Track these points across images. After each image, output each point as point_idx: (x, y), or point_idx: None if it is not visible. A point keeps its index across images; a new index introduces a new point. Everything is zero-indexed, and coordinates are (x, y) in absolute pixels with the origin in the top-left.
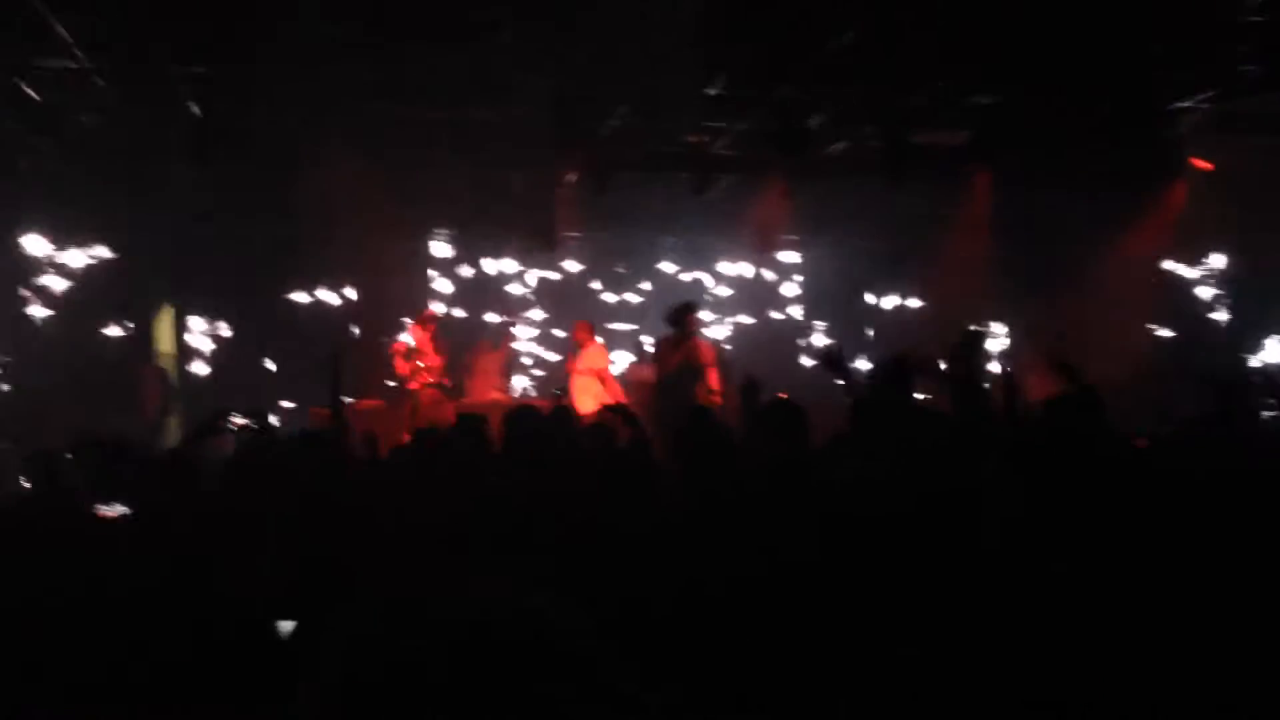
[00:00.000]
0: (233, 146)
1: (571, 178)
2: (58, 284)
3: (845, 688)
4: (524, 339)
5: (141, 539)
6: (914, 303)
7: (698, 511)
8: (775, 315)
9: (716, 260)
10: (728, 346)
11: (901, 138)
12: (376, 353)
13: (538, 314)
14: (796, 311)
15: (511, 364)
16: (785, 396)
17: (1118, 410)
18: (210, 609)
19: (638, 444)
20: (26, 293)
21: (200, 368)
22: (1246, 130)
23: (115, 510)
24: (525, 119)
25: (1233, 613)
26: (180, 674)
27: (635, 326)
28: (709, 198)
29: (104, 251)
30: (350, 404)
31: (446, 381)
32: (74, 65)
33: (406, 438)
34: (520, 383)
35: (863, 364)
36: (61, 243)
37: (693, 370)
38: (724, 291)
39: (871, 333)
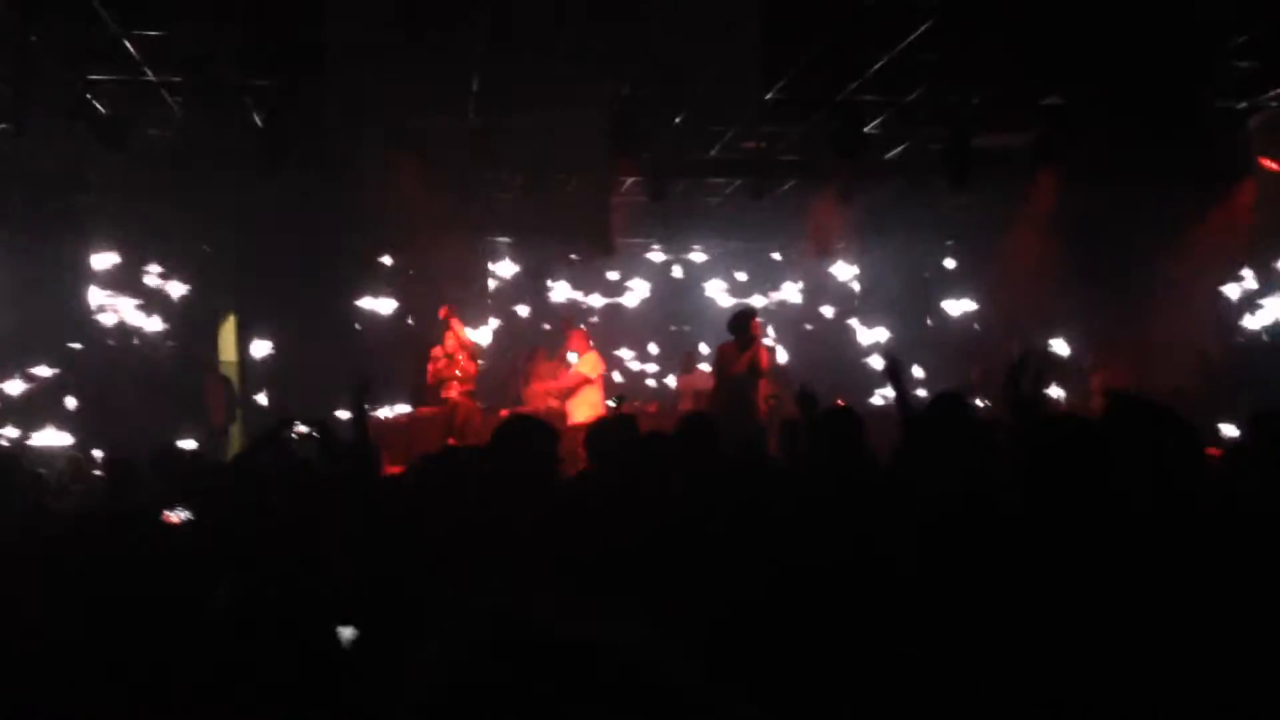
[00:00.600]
0: (296, 157)
1: (629, 183)
2: (125, 295)
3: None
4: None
5: (204, 544)
6: (975, 307)
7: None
8: (831, 319)
9: (774, 266)
10: (784, 353)
11: (964, 140)
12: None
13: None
14: (855, 316)
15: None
16: (843, 404)
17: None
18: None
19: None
20: (94, 303)
21: (262, 377)
22: None
23: (179, 516)
24: (584, 124)
25: None
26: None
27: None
28: (767, 202)
29: (170, 263)
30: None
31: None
32: (142, 79)
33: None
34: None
35: (919, 371)
36: (128, 255)
37: (755, 376)
38: (782, 297)
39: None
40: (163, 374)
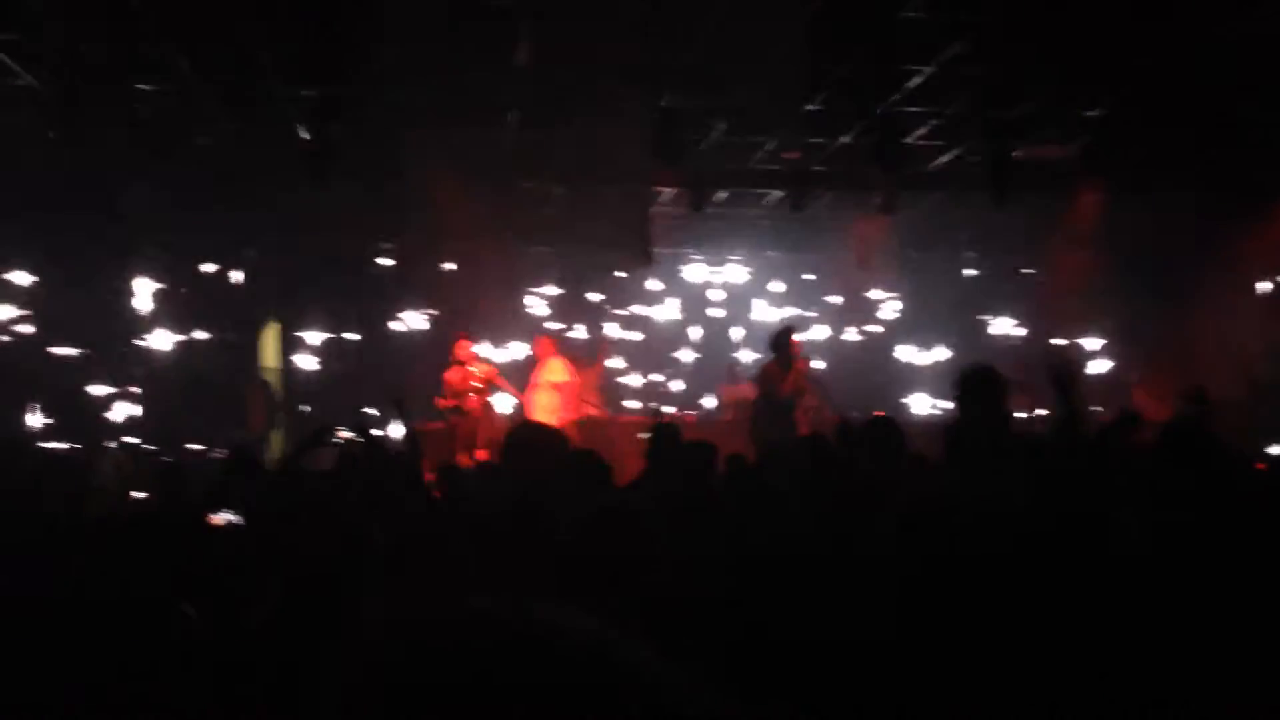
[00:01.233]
0: (341, 167)
1: (668, 194)
2: (170, 301)
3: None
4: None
5: (248, 546)
6: (1017, 320)
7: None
8: (872, 331)
9: (814, 278)
10: (823, 365)
11: (1007, 152)
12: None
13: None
14: (894, 329)
15: (606, 381)
16: (883, 415)
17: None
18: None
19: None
20: (140, 309)
21: (304, 383)
22: None
23: (224, 518)
24: (624, 135)
25: None
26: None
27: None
28: (807, 214)
29: (215, 270)
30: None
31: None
32: (189, 89)
33: (464, 459)
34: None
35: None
36: (174, 262)
37: (799, 396)
38: (821, 309)
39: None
40: (206, 379)
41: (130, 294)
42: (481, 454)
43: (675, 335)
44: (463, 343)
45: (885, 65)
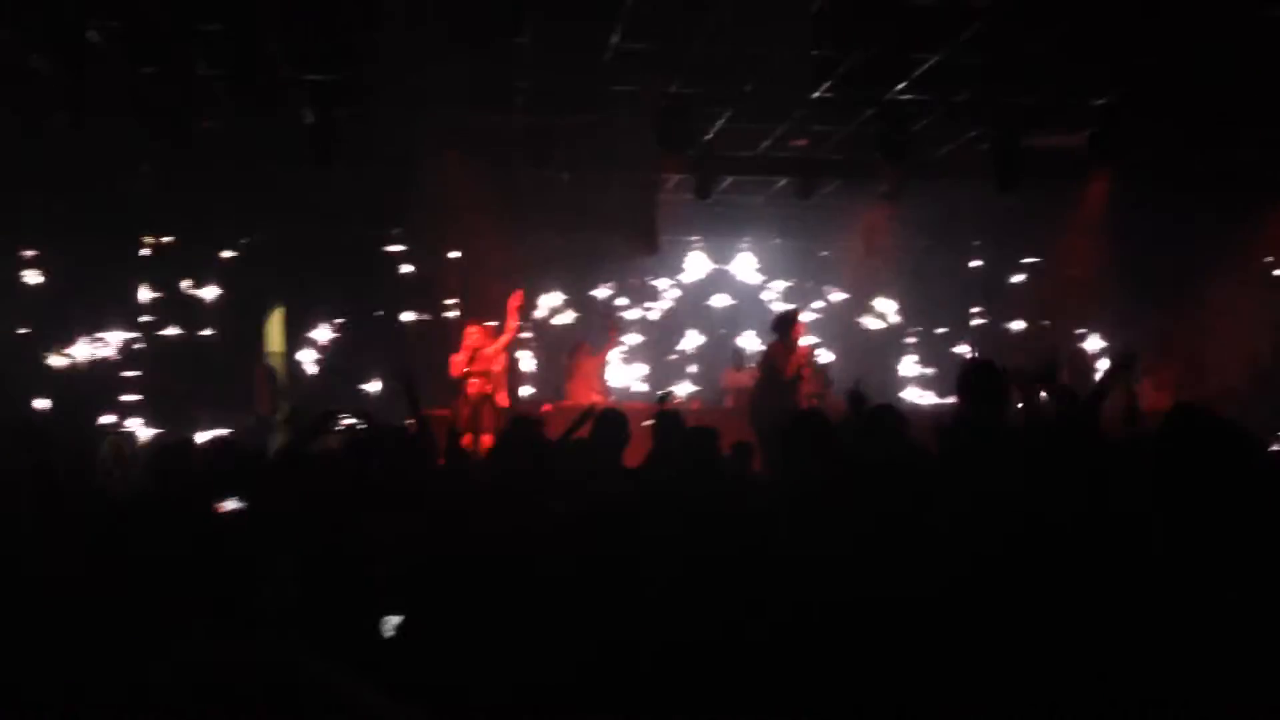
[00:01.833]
0: (346, 153)
1: (674, 181)
2: (175, 283)
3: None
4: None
5: (254, 532)
6: (1021, 310)
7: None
8: (874, 323)
9: (819, 266)
10: (829, 353)
11: (1014, 141)
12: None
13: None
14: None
15: (612, 367)
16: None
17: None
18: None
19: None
20: (145, 291)
21: (309, 368)
22: None
23: (230, 505)
24: (631, 121)
25: None
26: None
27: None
28: (813, 202)
29: (220, 253)
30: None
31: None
32: (194, 73)
33: (469, 440)
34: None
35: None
36: (179, 244)
37: (800, 379)
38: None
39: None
40: (210, 362)
41: (135, 278)
42: (486, 440)
43: (681, 322)
44: (470, 329)
45: (893, 52)
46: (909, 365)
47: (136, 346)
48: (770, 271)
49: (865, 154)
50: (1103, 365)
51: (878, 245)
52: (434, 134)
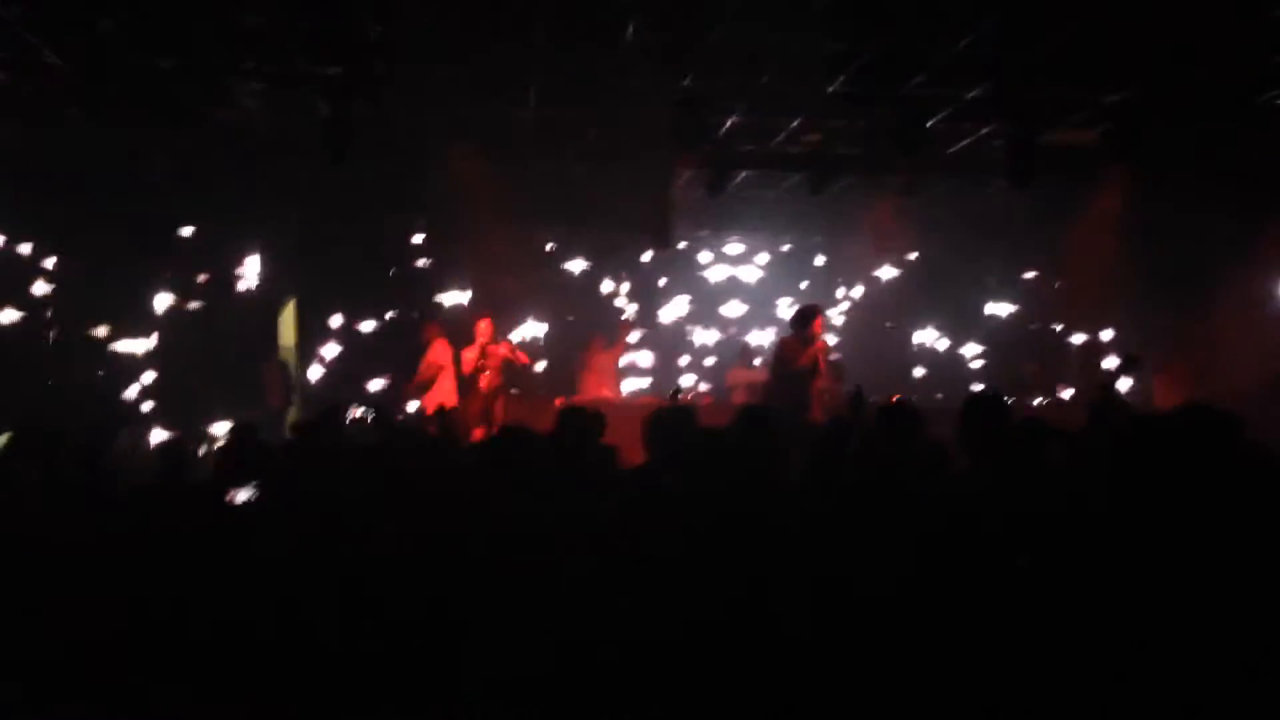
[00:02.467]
0: (361, 145)
1: (687, 176)
2: (189, 275)
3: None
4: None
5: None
6: (1034, 309)
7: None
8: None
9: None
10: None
11: (1028, 137)
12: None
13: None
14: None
15: (625, 362)
16: (899, 399)
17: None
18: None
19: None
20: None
21: (322, 360)
22: None
23: (242, 496)
24: (645, 116)
25: None
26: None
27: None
28: (826, 198)
29: (233, 246)
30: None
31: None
32: (210, 65)
33: (481, 434)
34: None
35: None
36: (193, 237)
37: (814, 373)
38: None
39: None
40: (223, 355)
41: (151, 271)
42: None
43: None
44: (484, 323)
45: (908, 46)
46: (921, 361)
47: (151, 340)
48: (781, 266)
49: (879, 150)
50: (1109, 363)
51: (890, 241)
52: (448, 127)
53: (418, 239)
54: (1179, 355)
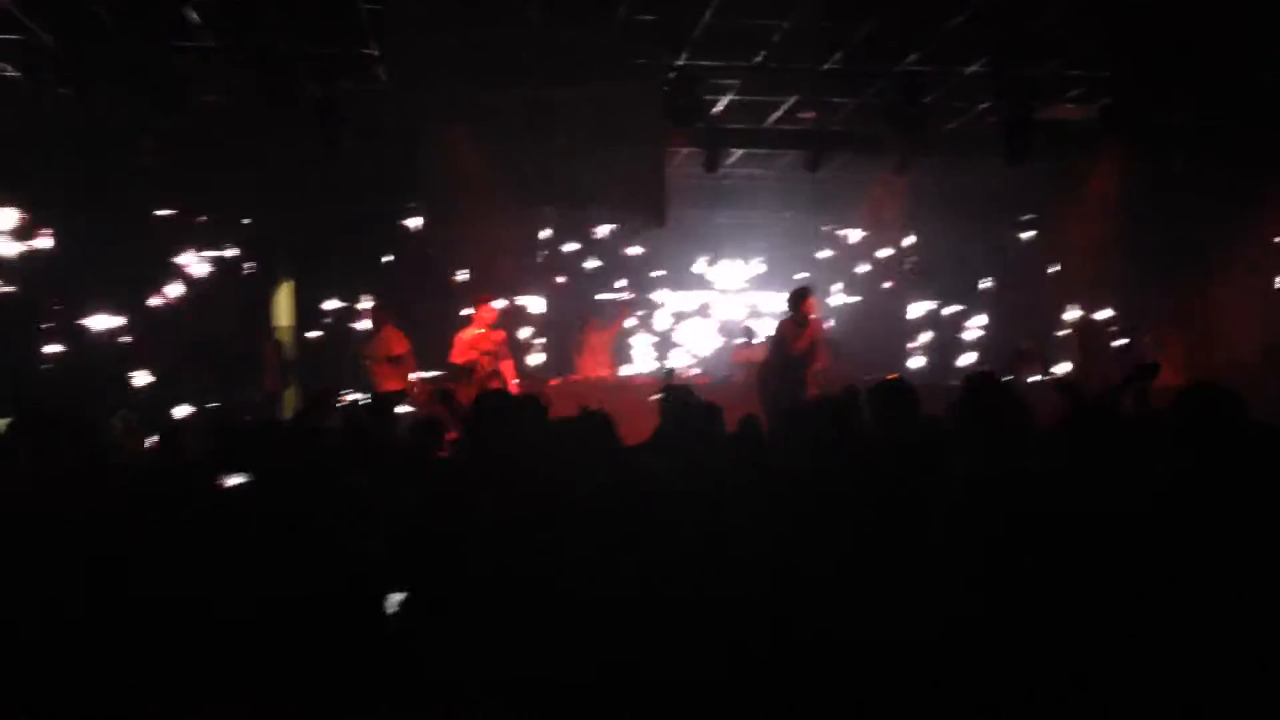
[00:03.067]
0: (353, 126)
1: (682, 154)
2: (182, 258)
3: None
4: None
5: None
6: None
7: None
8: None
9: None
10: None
11: (1024, 113)
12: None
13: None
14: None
15: (621, 343)
16: (897, 376)
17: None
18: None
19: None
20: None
21: (317, 342)
22: None
23: (234, 481)
24: (638, 95)
25: None
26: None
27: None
28: (821, 175)
29: (228, 228)
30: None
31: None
32: (200, 45)
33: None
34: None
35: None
36: (185, 219)
37: (811, 355)
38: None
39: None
40: (218, 337)
41: (142, 253)
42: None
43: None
44: (485, 306)
45: (903, 23)
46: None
47: (143, 321)
48: (772, 245)
49: (875, 127)
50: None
51: (886, 219)
52: (438, 107)
53: (411, 221)
54: (1176, 331)
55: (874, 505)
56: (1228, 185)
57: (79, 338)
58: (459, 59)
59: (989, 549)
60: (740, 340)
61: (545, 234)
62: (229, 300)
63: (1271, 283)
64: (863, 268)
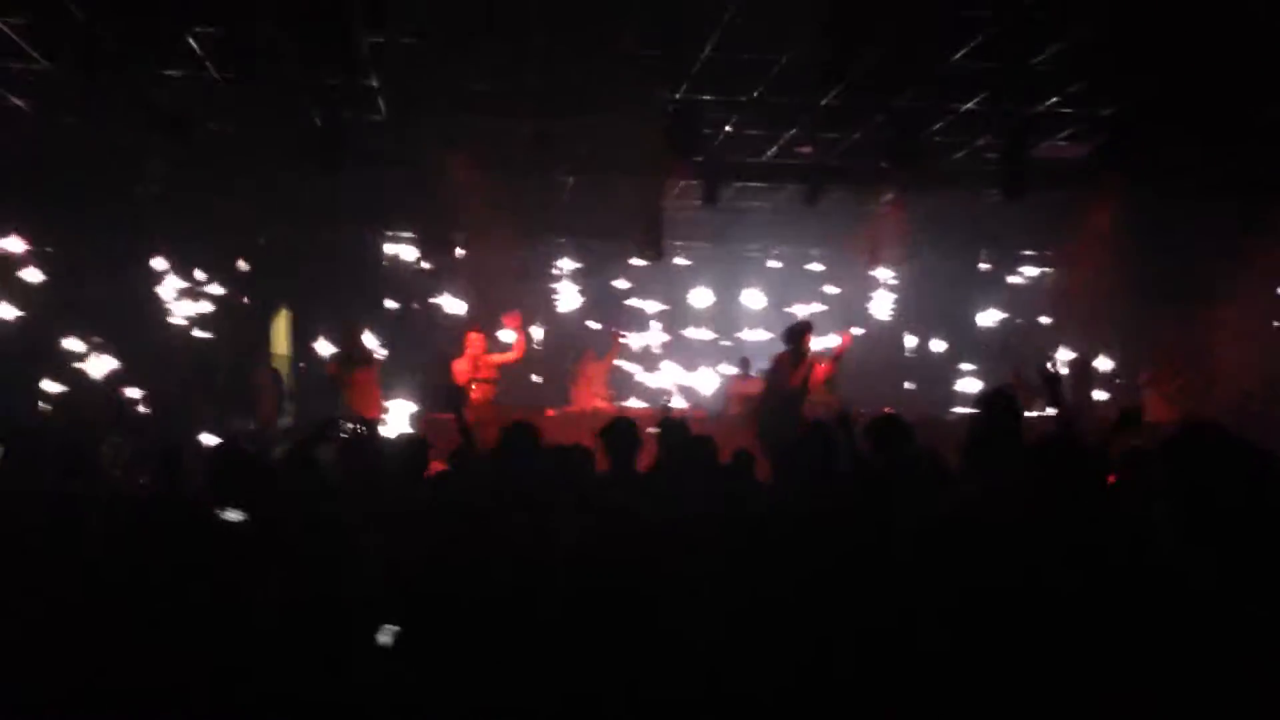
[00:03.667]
0: (353, 155)
1: (680, 187)
2: (181, 286)
3: None
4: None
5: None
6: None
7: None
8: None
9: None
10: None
11: (1021, 149)
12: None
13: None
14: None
15: (616, 374)
16: (891, 411)
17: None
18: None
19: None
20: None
21: (314, 372)
22: None
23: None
24: (637, 127)
25: None
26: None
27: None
28: (819, 209)
29: (227, 255)
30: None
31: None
32: (202, 74)
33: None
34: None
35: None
36: (186, 246)
37: (805, 390)
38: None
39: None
40: (214, 365)
41: (141, 280)
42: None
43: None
44: (473, 335)
45: (902, 59)
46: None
47: (140, 350)
48: (769, 277)
49: (873, 161)
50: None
51: (882, 252)
52: (440, 138)
53: (412, 250)
54: (1172, 367)
55: (845, 542)
56: (1229, 218)
57: (72, 364)
58: (460, 90)
59: (957, 592)
60: (736, 373)
61: (544, 263)
62: (226, 329)
63: (1272, 316)
64: (861, 300)
